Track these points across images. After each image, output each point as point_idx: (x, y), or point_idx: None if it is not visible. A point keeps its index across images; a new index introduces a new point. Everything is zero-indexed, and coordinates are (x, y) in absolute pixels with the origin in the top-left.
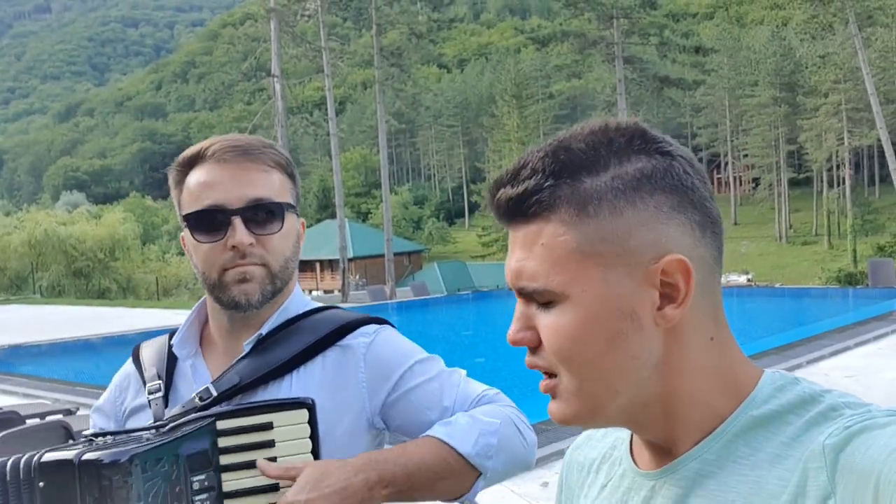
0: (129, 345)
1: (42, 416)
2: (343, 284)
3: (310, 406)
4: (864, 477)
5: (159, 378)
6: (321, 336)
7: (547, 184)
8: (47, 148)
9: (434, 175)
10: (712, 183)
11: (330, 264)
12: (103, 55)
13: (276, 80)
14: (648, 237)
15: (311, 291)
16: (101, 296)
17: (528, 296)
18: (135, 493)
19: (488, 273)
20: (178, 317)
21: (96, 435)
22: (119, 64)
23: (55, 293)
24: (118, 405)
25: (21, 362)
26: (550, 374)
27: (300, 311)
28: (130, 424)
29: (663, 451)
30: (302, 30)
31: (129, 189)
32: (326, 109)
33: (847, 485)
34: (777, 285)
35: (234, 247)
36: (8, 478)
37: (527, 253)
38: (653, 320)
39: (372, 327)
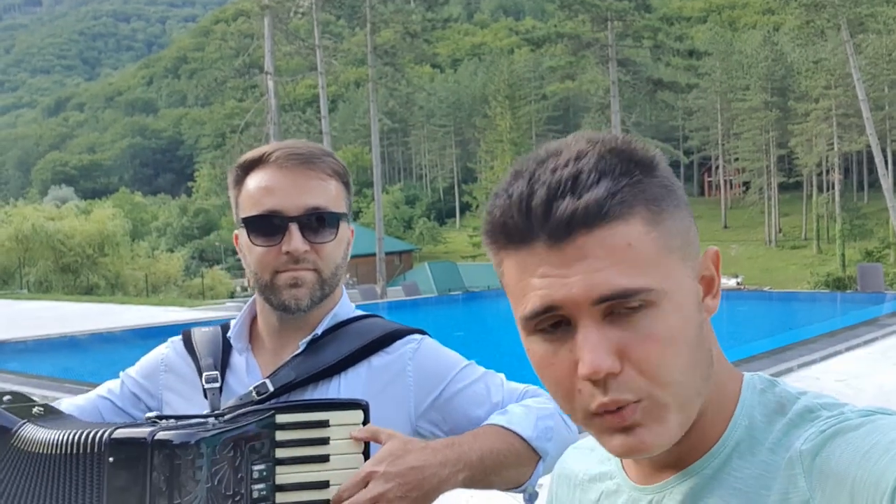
0: (118, 342)
1: None
2: None
3: (365, 407)
4: (839, 480)
5: (216, 369)
6: (370, 340)
7: (623, 183)
8: (36, 142)
9: (426, 175)
10: (703, 186)
11: None
12: (94, 49)
13: (269, 77)
14: (693, 229)
15: None
16: (90, 292)
17: (617, 304)
18: (203, 475)
19: (479, 273)
20: (166, 314)
21: (160, 417)
22: (110, 59)
23: (43, 289)
24: (158, 384)
25: (8, 358)
26: (624, 405)
27: (349, 317)
28: (175, 407)
29: (661, 466)
30: (295, 27)
31: (118, 184)
32: (319, 107)
33: (824, 489)
34: (766, 289)
35: (288, 252)
36: (77, 450)
37: (608, 260)
38: (703, 311)
39: (417, 336)
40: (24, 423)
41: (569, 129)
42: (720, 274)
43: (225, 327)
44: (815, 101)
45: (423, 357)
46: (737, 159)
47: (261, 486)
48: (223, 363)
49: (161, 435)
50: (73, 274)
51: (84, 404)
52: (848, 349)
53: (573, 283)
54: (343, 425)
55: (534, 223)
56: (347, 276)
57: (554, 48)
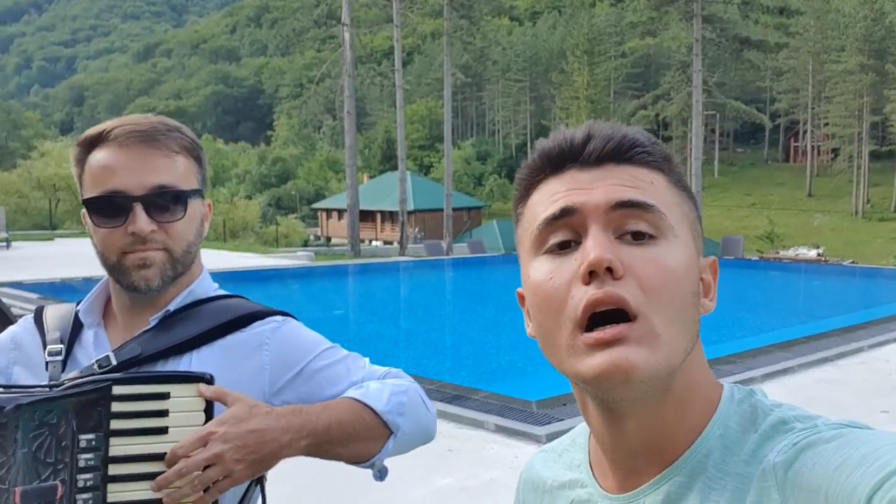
0: None
1: None
2: (401, 237)
3: (207, 381)
4: (812, 493)
5: (62, 343)
6: (227, 320)
7: (657, 144)
8: (126, 87)
9: (498, 131)
10: (788, 151)
11: (391, 216)
12: None
13: (345, 28)
14: (700, 228)
15: (370, 242)
16: None
17: (628, 214)
18: (20, 439)
19: None
20: (243, 259)
21: None
22: (196, 6)
23: None
24: (8, 361)
25: None
26: (621, 318)
27: (207, 296)
28: (20, 381)
29: (631, 473)
30: None
31: (201, 131)
32: (394, 60)
33: (797, 501)
34: (847, 262)
35: (133, 233)
36: None
37: (632, 183)
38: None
39: (279, 317)
40: None
41: (648, 87)
42: (716, 282)
43: (79, 304)
44: None
45: (283, 336)
46: (826, 124)
47: (89, 455)
48: (72, 337)
49: None
50: None
51: None
52: None
53: (594, 193)
54: (184, 398)
55: (572, 151)
56: (416, 229)
57: (636, 2)
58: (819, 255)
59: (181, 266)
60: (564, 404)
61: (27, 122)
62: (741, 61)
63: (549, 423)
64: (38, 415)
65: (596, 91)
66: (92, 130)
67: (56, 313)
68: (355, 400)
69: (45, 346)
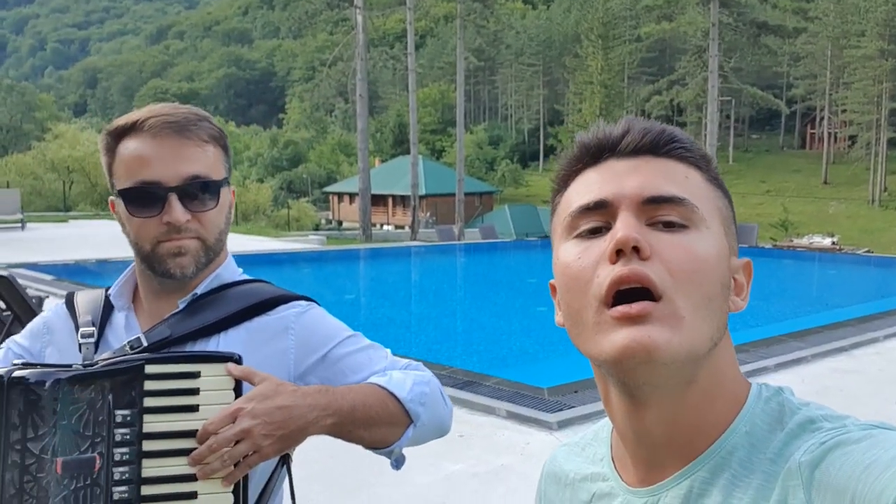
0: None
1: None
2: (413, 221)
3: (237, 360)
4: (839, 493)
5: (94, 325)
6: (253, 303)
7: (693, 142)
8: (139, 69)
9: (511, 116)
10: (804, 138)
11: (402, 200)
12: None
13: (358, 10)
14: (734, 227)
15: (382, 226)
16: None
17: (657, 212)
18: (60, 412)
19: None
20: (254, 243)
21: (26, 364)
22: None
23: None
24: (43, 345)
25: (108, 275)
26: (646, 298)
27: (233, 280)
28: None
29: (652, 467)
30: None
31: (214, 113)
32: (406, 43)
33: (823, 501)
34: (863, 251)
35: (169, 223)
36: None
37: (665, 177)
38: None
39: (303, 303)
40: None
41: (663, 72)
42: (750, 284)
43: (109, 289)
44: None
45: (308, 321)
46: (844, 111)
47: (125, 430)
48: (103, 321)
49: (18, 373)
50: None
51: None
52: None
53: (626, 185)
54: (214, 377)
55: (610, 142)
56: (427, 214)
57: None
58: (834, 243)
59: (213, 253)
60: (576, 391)
61: (41, 104)
62: (758, 46)
63: (561, 409)
64: (76, 389)
65: (610, 76)
66: (122, 120)
67: (87, 297)
68: (379, 386)
69: (77, 329)
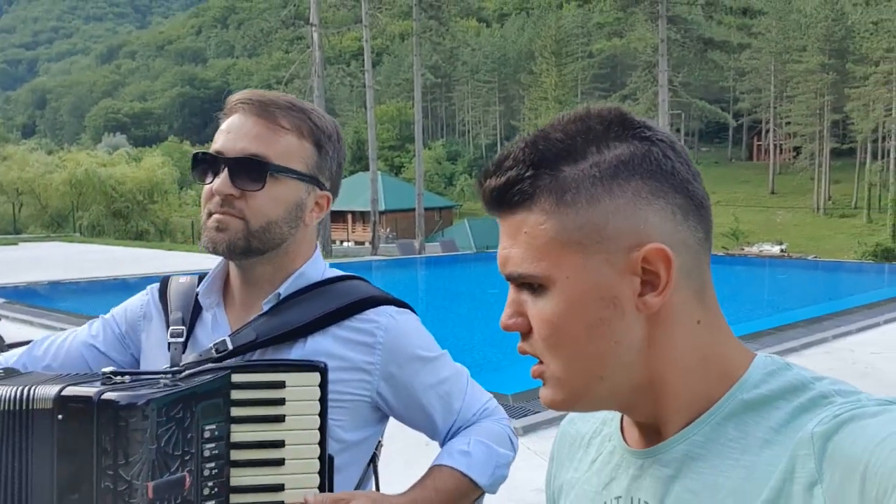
0: None
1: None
2: (373, 237)
3: (322, 370)
4: (851, 466)
5: (183, 323)
6: (342, 305)
7: (528, 174)
8: (89, 89)
9: (468, 131)
10: (752, 150)
11: (362, 216)
12: None
13: (314, 29)
14: (626, 224)
15: (342, 242)
16: (139, 237)
17: (518, 283)
18: (149, 436)
19: None
20: (210, 261)
21: (115, 373)
22: (161, 7)
23: (95, 232)
24: (138, 330)
25: (61, 298)
26: (540, 360)
27: (321, 278)
28: (146, 357)
29: (652, 431)
30: None
31: (168, 133)
32: (363, 61)
33: (834, 473)
34: (811, 257)
35: (215, 193)
36: (28, 406)
37: (512, 241)
38: (634, 306)
39: (394, 308)
40: None
41: (615, 87)
42: (671, 272)
43: (202, 278)
44: (874, 64)
45: (395, 337)
46: (788, 123)
47: (212, 444)
48: (193, 316)
49: (108, 395)
50: (124, 219)
51: (70, 349)
52: (887, 321)
53: (498, 253)
54: (300, 387)
55: (479, 193)
56: (387, 230)
57: (602, 4)
58: (782, 250)
59: (256, 241)
60: (539, 397)
61: None
62: (705, 61)
63: (525, 415)
64: (166, 409)
65: (564, 92)
66: (231, 98)
67: (179, 290)
68: (462, 474)
69: (167, 325)
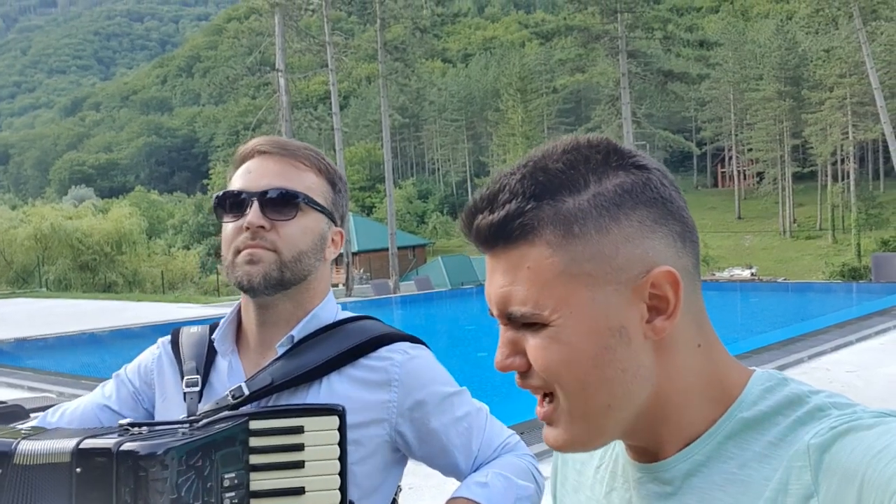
0: (135, 338)
1: (46, 409)
2: (347, 278)
3: (341, 413)
4: (847, 477)
5: (198, 372)
6: (355, 345)
7: (529, 206)
8: (53, 142)
9: (438, 169)
10: (716, 177)
11: (335, 258)
12: (109, 49)
13: (280, 74)
14: (635, 252)
15: None
16: (108, 289)
17: (514, 321)
18: (169, 486)
19: None
20: (183, 310)
21: (132, 424)
22: (125, 58)
23: (62, 287)
24: (151, 385)
25: (27, 355)
26: (545, 397)
27: (334, 319)
28: (162, 409)
29: (649, 453)
30: (306, 24)
31: (134, 183)
32: (331, 104)
33: (830, 485)
34: (780, 279)
35: (247, 228)
36: (44, 460)
37: (512, 278)
38: (642, 333)
39: (408, 345)
40: (19, 442)
41: (580, 121)
42: (679, 294)
43: (213, 327)
44: (829, 90)
45: (411, 375)
46: (750, 150)
47: (232, 493)
48: (207, 364)
49: (126, 446)
50: (92, 272)
51: (84, 412)
52: (860, 340)
53: (492, 292)
54: (318, 431)
55: (466, 230)
56: (360, 270)
57: (564, 41)
58: (753, 274)
59: (289, 272)
60: (523, 433)
61: None
62: (666, 93)
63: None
64: (185, 458)
65: (531, 127)
66: (248, 145)
67: (191, 339)
68: None
69: (182, 374)
